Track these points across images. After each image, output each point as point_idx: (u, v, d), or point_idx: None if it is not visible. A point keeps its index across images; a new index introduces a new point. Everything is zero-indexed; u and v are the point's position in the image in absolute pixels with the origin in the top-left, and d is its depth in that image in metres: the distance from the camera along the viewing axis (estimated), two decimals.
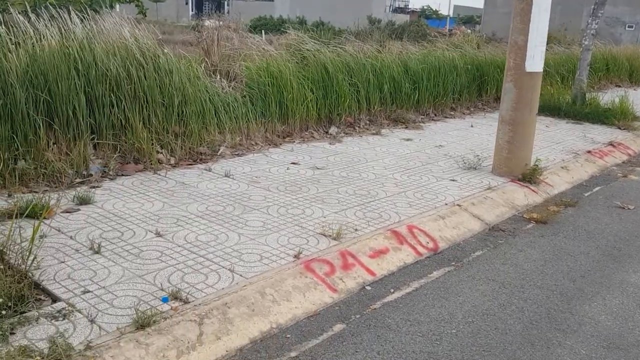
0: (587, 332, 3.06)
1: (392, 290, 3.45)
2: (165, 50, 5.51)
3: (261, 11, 41.68)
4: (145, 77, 5.17)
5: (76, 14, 5.28)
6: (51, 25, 5.02)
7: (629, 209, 5.23)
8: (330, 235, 3.87)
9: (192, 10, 44.68)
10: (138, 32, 5.52)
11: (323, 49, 7.39)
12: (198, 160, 5.46)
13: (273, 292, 3.16)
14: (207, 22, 10.11)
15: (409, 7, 59.11)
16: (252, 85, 6.49)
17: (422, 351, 2.82)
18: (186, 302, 2.92)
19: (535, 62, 5.41)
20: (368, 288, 3.47)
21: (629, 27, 45.59)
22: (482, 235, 4.44)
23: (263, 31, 13.18)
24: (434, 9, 62.82)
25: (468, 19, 55.03)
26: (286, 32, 8.68)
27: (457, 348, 2.86)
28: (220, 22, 11.33)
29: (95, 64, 4.94)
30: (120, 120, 5.04)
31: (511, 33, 5.50)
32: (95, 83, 4.90)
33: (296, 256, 3.53)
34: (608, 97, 9.93)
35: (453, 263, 3.89)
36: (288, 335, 2.91)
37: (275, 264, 3.43)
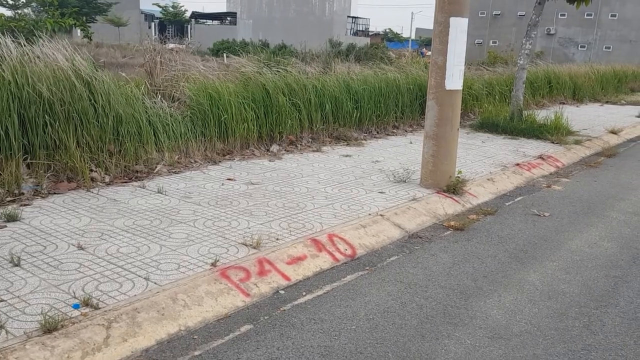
0: (476, 325, 3.31)
1: (304, 293, 3.65)
2: (99, 73, 5.67)
3: (224, 35, 42.16)
4: (79, 99, 5.33)
5: (12, 39, 5.42)
6: None
7: (544, 216, 5.57)
8: (250, 245, 4.07)
9: (155, 34, 44.85)
10: (76, 57, 5.68)
11: (264, 71, 7.66)
12: (133, 178, 5.61)
13: (185, 297, 3.33)
14: (170, 45, 10.35)
15: (370, 30, 60.38)
16: (193, 106, 6.70)
17: (319, 345, 3.02)
18: (96, 308, 3.07)
19: (454, 80, 5.75)
20: (282, 292, 3.66)
21: (581, 47, 47.54)
22: (401, 242, 4.69)
23: (225, 54, 13.41)
24: (396, 32, 64.44)
25: (430, 41, 56.60)
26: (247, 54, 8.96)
27: (352, 342, 3.07)
28: (182, 46, 11.58)
29: (29, 87, 5.08)
30: (54, 140, 5.17)
31: (432, 54, 5.85)
32: (28, 104, 5.04)
33: (213, 264, 3.71)
34: (548, 114, 10.43)
35: (367, 267, 4.12)
36: (195, 337, 3.08)
37: (192, 272, 3.61)
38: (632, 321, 3.42)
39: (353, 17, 57.44)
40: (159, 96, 6.70)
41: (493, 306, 3.56)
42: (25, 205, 4.63)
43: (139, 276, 3.48)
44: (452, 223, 5.16)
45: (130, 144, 5.71)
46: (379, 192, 5.71)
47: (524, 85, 10.48)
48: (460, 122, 5.83)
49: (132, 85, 6.42)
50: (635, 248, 4.74)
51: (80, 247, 3.84)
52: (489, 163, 7.43)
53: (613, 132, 10.74)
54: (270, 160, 6.89)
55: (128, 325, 3.00)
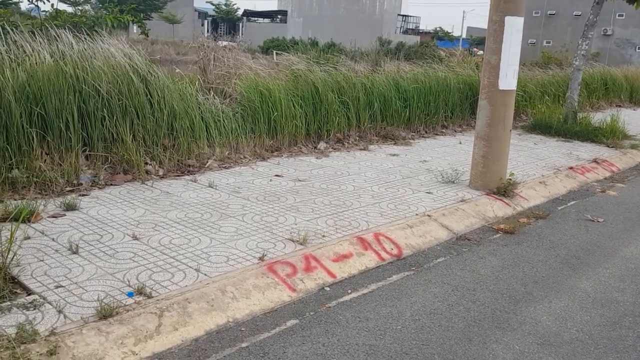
0: (526, 331, 3.25)
1: (349, 291, 3.67)
2: (156, 69, 5.83)
3: (275, 33, 42.61)
4: (136, 94, 5.50)
5: (75, 35, 5.65)
6: (49, 44, 5.39)
7: (598, 221, 5.40)
8: (297, 241, 4.11)
9: (207, 32, 45.73)
10: (133, 53, 5.87)
11: (314, 69, 7.71)
12: (186, 172, 5.76)
13: (234, 290, 3.40)
14: (223, 43, 10.56)
15: (421, 28, 59.74)
16: (244, 102, 6.81)
17: (364, 344, 3.03)
18: (149, 296, 3.17)
19: (508, 80, 5.64)
20: (327, 289, 3.69)
21: (639, 48, 45.71)
22: (448, 244, 4.64)
23: (275, 52, 13.61)
24: (446, 31, 63.52)
25: (480, 40, 55.46)
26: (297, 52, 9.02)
27: (398, 342, 3.07)
28: (234, 44, 11.80)
29: (89, 81, 5.28)
30: (112, 133, 5.36)
31: (485, 53, 5.76)
32: (88, 98, 5.24)
33: (261, 258, 3.77)
34: (603, 116, 10.09)
35: (413, 268, 4.10)
36: (242, 329, 3.14)
37: (240, 265, 3.68)
38: None
39: (403, 16, 57.01)
40: (212, 93, 6.85)
41: (543, 312, 3.48)
42: (83, 195, 4.82)
43: (190, 267, 3.57)
44: (502, 226, 5.07)
45: (184, 139, 5.86)
46: (427, 192, 5.67)
47: (579, 87, 10.18)
48: (512, 123, 5.70)
49: (186, 81, 6.58)
50: None
51: (135, 237, 3.97)
52: (541, 166, 7.25)
53: None
54: (317, 158, 6.93)
55: (179, 314, 3.09)
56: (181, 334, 3.00)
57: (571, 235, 4.97)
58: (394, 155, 7.40)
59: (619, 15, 45.93)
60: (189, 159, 5.92)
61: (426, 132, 9.12)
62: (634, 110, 14.75)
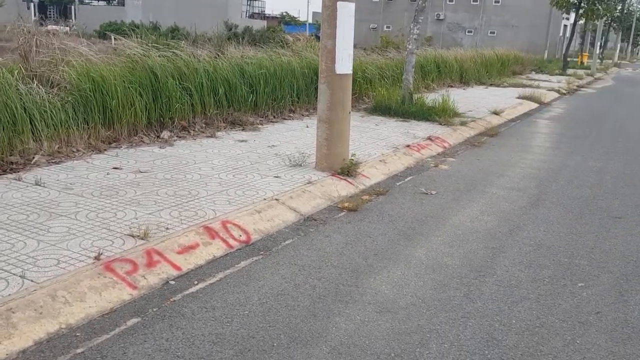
0: (366, 301, 3.41)
1: (196, 282, 3.58)
2: None
3: (111, 16, 40.01)
4: None
5: None
6: None
7: (431, 194, 5.84)
8: (138, 236, 3.91)
9: (34, 15, 41.62)
10: None
11: (151, 54, 7.36)
12: (8, 170, 5.20)
13: (66, 294, 3.14)
14: (50, 27, 9.62)
15: (267, 13, 59.96)
16: (74, 91, 6.30)
17: (210, 333, 2.98)
18: None
19: (344, 64, 5.84)
20: (172, 282, 3.56)
21: (468, 32, 50.15)
22: (296, 226, 4.72)
23: (113, 37, 12.74)
24: (293, 16, 64.38)
25: None
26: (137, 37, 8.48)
27: (245, 327, 3.06)
28: (62, 28, 10.82)
29: None
30: None
31: (322, 38, 5.90)
32: None
33: (96, 258, 3.52)
34: (436, 97, 10.90)
35: (262, 252, 4.11)
36: (77, 334, 2.92)
37: (73, 267, 3.41)
38: (507, 288, 3.68)
39: (248, 0, 56.64)
40: (35, 82, 6.23)
41: (382, 282, 3.69)
42: None
43: (14, 274, 3.24)
44: (346, 204, 5.27)
45: (4, 134, 5.27)
46: (275, 177, 5.71)
47: (414, 69, 10.89)
48: (355, 106, 5.94)
49: (3, 70, 5.91)
50: (512, 220, 5.10)
51: None
52: (382, 145, 7.65)
53: (495, 113, 11.46)
54: (160, 147, 6.66)
55: (1, 326, 2.78)
56: (5, 347, 2.71)
57: (408, 208, 5.32)
58: (242, 141, 7.35)
59: (450, 1, 49.93)
60: (11, 155, 5.35)
61: (274, 117, 9.18)
62: (464, 89, 16.17)
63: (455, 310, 3.34)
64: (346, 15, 5.71)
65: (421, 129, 9.12)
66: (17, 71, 6.14)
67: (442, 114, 10.05)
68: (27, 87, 5.92)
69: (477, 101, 13.37)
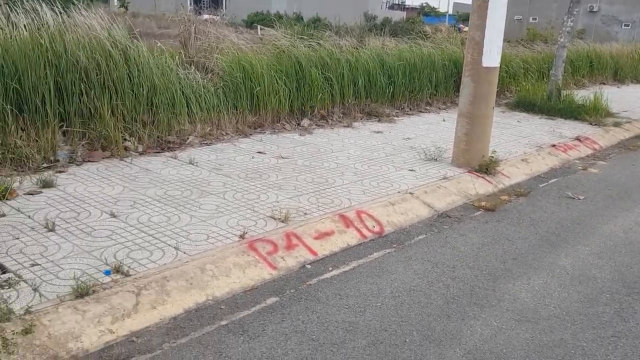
0: (504, 307, 3.27)
1: (330, 269, 3.67)
2: (136, 43, 5.70)
3: (258, 6, 41.89)
4: (114, 68, 5.38)
5: (50, 7, 5.48)
6: (24, 17, 5.23)
7: (578, 199, 5.44)
8: (279, 218, 4.09)
9: (190, 5, 44.86)
10: (113, 26, 5.73)
11: (297, 44, 7.60)
12: (166, 148, 5.68)
13: (213, 268, 3.37)
14: (206, 16, 10.37)
15: (406, 4, 59.25)
16: (226, 78, 6.71)
17: (344, 321, 3.04)
18: (127, 275, 3.13)
19: (492, 57, 5.60)
20: (308, 266, 3.68)
21: (625, 25, 45.77)
22: (430, 221, 4.65)
23: (259, 26, 13.40)
24: (433, 7, 63.05)
25: (467, 16, 55.18)
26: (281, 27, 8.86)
27: (377, 319, 3.08)
28: (217, 17, 11.59)
29: (66, 54, 5.15)
30: (89, 109, 5.25)
31: (469, 29, 5.70)
32: (65, 73, 5.11)
33: (241, 236, 3.74)
34: (587, 94, 10.12)
35: (395, 245, 4.11)
36: (222, 307, 3.12)
37: (220, 243, 3.65)
38: None
39: None
40: (193, 67, 6.72)
41: (522, 289, 3.51)
42: (60, 172, 4.74)
43: (169, 245, 3.54)
44: (483, 203, 5.09)
45: (164, 115, 5.77)
46: (409, 170, 5.66)
47: (564, 64, 10.17)
48: (496, 101, 5.68)
49: (166, 55, 6.44)
50: None
51: (113, 215, 3.92)
52: (524, 143, 7.27)
53: None
54: (300, 135, 6.88)
55: (157, 293, 3.06)
56: (159, 312, 2.98)
57: (551, 213, 5.00)
58: (377, 132, 7.37)
59: None
60: (169, 135, 5.83)
61: (410, 109, 9.08)
62: (618, 87, 14.82)
63: (604, 327, 3.09)
64: (498, 6, 5.46)
65: (568, 128, 8.52)
66: (177, 57, 6.65)
67: (592, 113, 9.30)
68: (185, 72, 6.40)
69: (634, 101, 12.18)
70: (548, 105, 9.64)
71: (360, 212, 4.44)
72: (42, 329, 2.63)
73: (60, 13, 5.48)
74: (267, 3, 42.21)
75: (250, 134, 6.60)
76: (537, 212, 5.01)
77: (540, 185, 5.86)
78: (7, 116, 4.69)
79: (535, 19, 46.55)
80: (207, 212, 4.13)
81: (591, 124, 8.98)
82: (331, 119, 7.73)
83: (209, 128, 6.27)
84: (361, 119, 8.08)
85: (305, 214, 4.26)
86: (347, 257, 3.85)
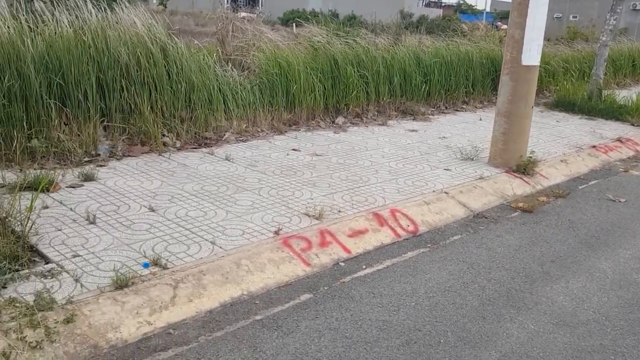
0: (541, 310, 3.22)
1: (364, 267, 3.66)
2: (175, 40, 5.79)
3: (295, 4, 42.04)
4: (154, 65, 5.48)
5: (92, 4, 5.62)
6: (68, 14, 5.37)
7: (619, 201, 5.30)
8: (313, 215, 4.10)
9: (227, 3, 45.34)
10: (153, 23, 5.83)
11: (333, 41, 7.60)
12: (203, 144, 5.76)
13: (249, 263, 3.41)
14: (242, 14, 10.47)
15: (443, 1, 58.52)
16: (262, 75, 6.76)
17: (377, 319, 3.03)
18: (165, 268, 3.19)
19: (531, 55, 5.50)
20: (342, 264, 3.68)
21: None
22: (465, 221, 4.60)
23: (294, 24, 13.45)
24: (470, 4, 62.10)
25: (505, 14, 54.11)
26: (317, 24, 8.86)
27: (411, 318, 3.06)
28: (253, 15, 11.69)
29: (108, 51, 5.26)
30: (130, 105, 5.36)
31: (509, 26, 5.61)
32: (107, 69, 5.23)
33: (276, 232, 3.77)
34: (629, 94, 9.84)
35: (429, 245, 4.08)
36: (257, 302, 3.16)
37: (256, 239, 3.68)
38: None
39: None
40: (230, 64, 6.79)
41: (560, 292, 3.44)
42: (101, 166, 4.85)
43: (206, 240, 3.59)
44: (521, 204, 5.00)
45: (201, 111, 5.85)
46: (445, 169, 5.60)
47: (605, 64, 9.92)
48: (535, 100, 5.58)
49: (204, 53, 6.53)
50: None
51: (151, 209, 3.99)
52: (563, 144, 7.11)
53: None
54: (335, 132, 6.88)
55: (194, 286, 3.11)
56: (195, 305, 3.02)
57: (591, 215, 4.89)
58: (412, 130, 7.32)
59: None
60: (206, 131, 5.91)
61: (446, 107, 8.99)
62: None
63: None
64: (539, 4, 5.36)
65: (610, 129, 8.30)
66: (214, 54, 6.74)
67: (635, 114, 9.03)
68: (222, 70, 6.48)
69: None
70: (588, 105, 9.41)
71: (394, 210, 4.42)
72: (83, 318, 2.71)
73: (105, 10, 5.60)
74: (303, 1, 42.34)
75: (285, 131, 6.64)
76: (576, 214, 4.90)
77: (580, 187, 5.73)
78: (52, 110, 4.82)
79: (576, 17, 45.41)
80: (243, 208, 4.18)
81: (633, 124, 8.73)
82: (366, 117, 7.70)
83: (245, 125, 6.33)
84: (396, 117, 8.04)
85: (339, 211, 4.27)
86: (381, 256, 3.84)
